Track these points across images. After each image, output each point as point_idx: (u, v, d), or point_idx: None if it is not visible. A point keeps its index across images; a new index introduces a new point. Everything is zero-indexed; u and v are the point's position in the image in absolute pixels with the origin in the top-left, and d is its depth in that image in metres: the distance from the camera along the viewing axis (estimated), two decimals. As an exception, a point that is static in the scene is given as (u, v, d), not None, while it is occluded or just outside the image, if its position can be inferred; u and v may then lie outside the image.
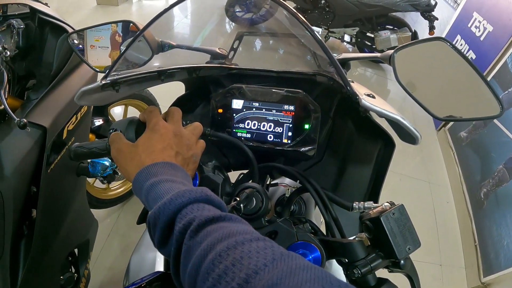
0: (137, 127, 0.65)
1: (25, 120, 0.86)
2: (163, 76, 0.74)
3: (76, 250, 1.42)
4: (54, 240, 1.20)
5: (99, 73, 1.10)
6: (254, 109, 0.82)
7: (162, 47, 0.80)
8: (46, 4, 1.27)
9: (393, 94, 4.03)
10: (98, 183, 1.90)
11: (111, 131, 0.65)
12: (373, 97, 0.66)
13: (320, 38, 0.63)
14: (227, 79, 0.90)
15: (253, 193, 0.62)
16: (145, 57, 0.76)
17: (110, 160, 1.41)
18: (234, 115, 0.83)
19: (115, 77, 0.62)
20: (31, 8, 1.19)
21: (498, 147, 2.37)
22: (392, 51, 0.68)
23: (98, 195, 1.90)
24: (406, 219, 0.52)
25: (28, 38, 1.17)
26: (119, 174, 1.65)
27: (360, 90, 0.66)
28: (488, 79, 2.65)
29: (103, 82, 0.60)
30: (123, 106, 1.95)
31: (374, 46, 4.13)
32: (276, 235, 0.60)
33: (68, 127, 1.16)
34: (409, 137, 0.65)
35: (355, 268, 0.52)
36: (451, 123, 3.05)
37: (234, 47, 0.92)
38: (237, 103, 0.82)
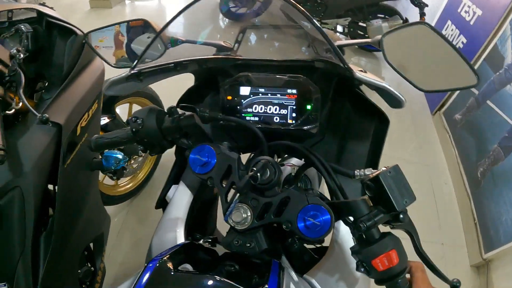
0: (158, 115, 0.71)
1: (47, 115, 0.91)
2: (179, 67, 0.80)
3: (91, 245, 1.46)
4: (72, 234, 1.24)
5: (107, 71, 1.16)
6: (260, 94, 0.88)
7: (175, 42, 0.87)
8: (52, 8, 1.31)
9: (387, 81, 4.07)
10: (107, 180, 1.93)
11: (133, 119, 0.71)
12: (365, 72, 0.77)
13: (318, 24, 0.70)
14: (233, 70, 0.95)
15: (267, 164, 0.68)
16: (158, 53, 0.82)
17: (122, 154, 1.46)
18: (242, 101, 0.89)
19: (141, 67, 0.69)
20: (39, 12, 1.23)
21: (492, 127, 2.41)
22: (381, 35, 0.79)
23: (108, 192, 1.94)
24: (401, 177, 0.59)
25: (36, 41, 1.21)
26: (127, 170, 1.70)
27: (354, 67, 0.77)
28: (480, 62, 2.70)
29: (131, 72, 0.67)
30: (128, 104, 2.00)
31: (366, 35, 4.17)
32: (289, 200, 0.66)
33: (81, 123, 1.21)
34: (396, 102, 0.76)
35: (361, 223, 0.58)
36: (446, 106, 3.11)
37: (238, 39, 0.99)
38: (245, 90, 0.88)
